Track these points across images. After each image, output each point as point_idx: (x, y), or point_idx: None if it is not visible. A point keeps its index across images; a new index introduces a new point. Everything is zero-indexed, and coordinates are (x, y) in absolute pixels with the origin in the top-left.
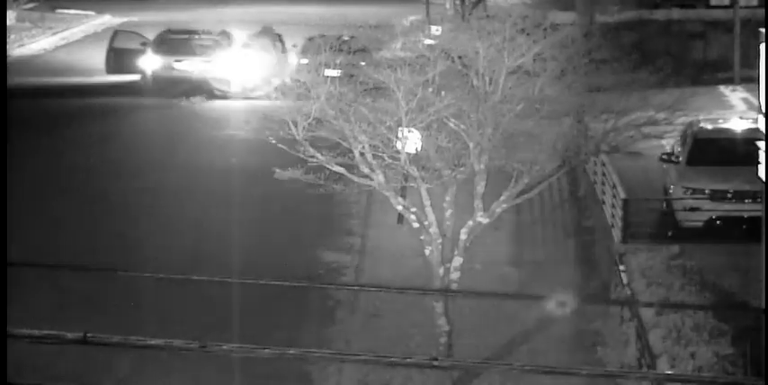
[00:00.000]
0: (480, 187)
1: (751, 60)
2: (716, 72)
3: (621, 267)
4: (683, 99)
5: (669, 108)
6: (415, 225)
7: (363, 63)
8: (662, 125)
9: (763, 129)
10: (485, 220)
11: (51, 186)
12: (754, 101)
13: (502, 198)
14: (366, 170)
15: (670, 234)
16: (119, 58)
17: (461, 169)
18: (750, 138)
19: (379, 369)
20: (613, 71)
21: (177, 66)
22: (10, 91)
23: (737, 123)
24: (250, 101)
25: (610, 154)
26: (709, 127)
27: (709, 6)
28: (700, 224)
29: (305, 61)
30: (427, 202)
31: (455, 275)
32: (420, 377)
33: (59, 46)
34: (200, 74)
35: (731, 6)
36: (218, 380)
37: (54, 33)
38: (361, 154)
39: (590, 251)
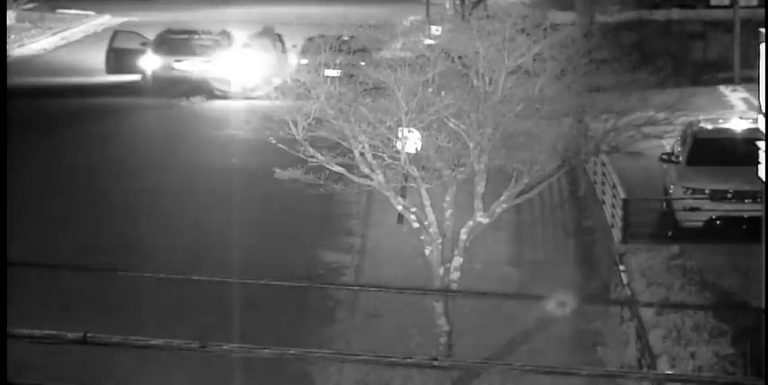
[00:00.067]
0: (480, 187)
1: (751, 60)
2: (716, 72)
3: (621, 267)
4: (683, 99)
5: (669, 108)
6: (415, 225)
7: (363, 63)
8: (662, 125)
9: (763, 129)
10: (485, 220)
11: (51, 186)
12: (754, 101)
13: (502, 198)
14: (366, 170)
15: (670, 234)
16: (119, 58)
17: (461, 169)
18: (750, 138)
19: (379, 369)
20: (613, 71)
21: (177, 66)
22: (10, 91)
23: (737, 123)
24: (250, 101)
25: (610, 154)
26: (709, 127)
27: (709, 6)
28: (700, 224)
29: (305, 61)
30: (427, 202)
31: (455, 275)
32: (420, 377)
33: (59, 46)
34: (200, 74)
35: (731, 6)
36: (219, 380)
37: (54, 33)
38: (361, 154)
39: (590, 251)
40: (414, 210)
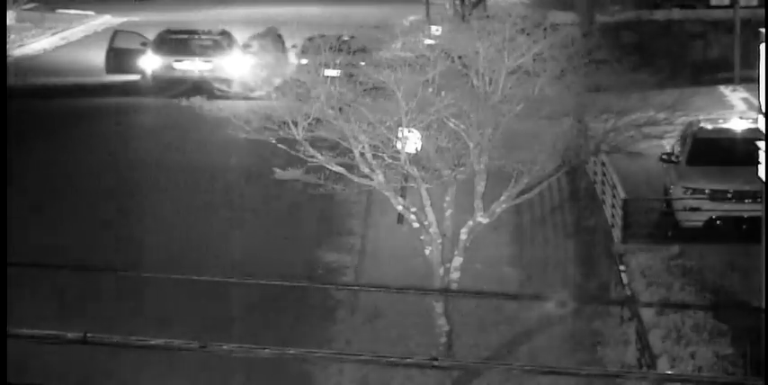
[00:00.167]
0: (480, 187)
1: (751, 60)
2: (716, 72)
3: (621, 267)
4: (683, 99)
5: (669, 108)
6: (415, 225)
7: (363, 63)
8: (662, 125)
9: (763, 129)
10: (485, 220)
11: (51, 186)
12: (754, 101)
13: (502, 198)
14: (366, 170)
15: (670, 234)
16: (119, 58)
17: (461, 169)
18: (750, 138)
19: (379, 369)
20: (613, 71)
21: (177, 66)
22: (10, 91)
23: (737, 123)
24: (250, 101)
25: (610, 154)
26: (709, 127)
27: (709, 6)
28: (700, 224)
29: (305, 61)
30: (427, 202)
31: (455, 275)
32: (420, 377)
33: (59, 46)
34: (200, 74)
35: (731, 6)
36: (219, 380)
37: (54, 33)
38: (361, 154)
39: (590, 251)
40: (414, 210)
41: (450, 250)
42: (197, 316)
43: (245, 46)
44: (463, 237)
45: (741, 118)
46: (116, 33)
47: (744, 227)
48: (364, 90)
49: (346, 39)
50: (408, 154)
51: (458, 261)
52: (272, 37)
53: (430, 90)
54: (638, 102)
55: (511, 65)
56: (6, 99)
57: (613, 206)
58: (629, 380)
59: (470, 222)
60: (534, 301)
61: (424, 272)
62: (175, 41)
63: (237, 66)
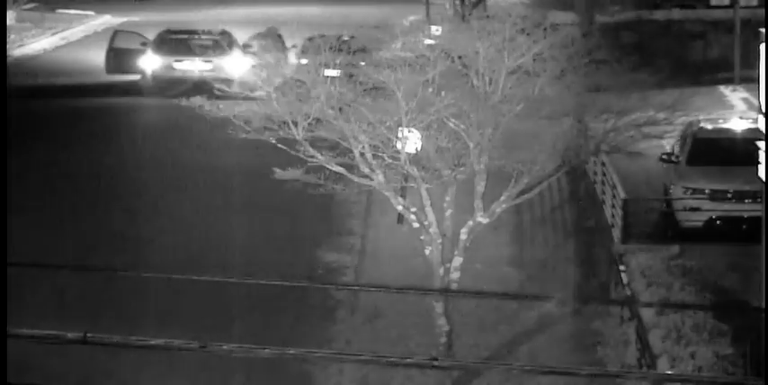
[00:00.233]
0: (480, 187)
1: (751, 60)
2: (716, 72)
3: (621, 267)
4: (683, 99)
5: (669, 108)
6: (415, 225)
7: (363, 63)
8: (662, 125)
9: (763, 129)
10: (485, 220)
11: (51, 186)
12: (754, 101)
13: (502, 198)
14: (366, 170)
15: (670, 234)
16: (119, 58)
17: (461, 169)
18: (750, 138)
19: (379, 369)
20: (613, 71)
21: (177, 66)
22: (10, 91)
23: (737, 123)
24: (250, 101)
25: (610, 154)
26: (709, 127)
27: (709, 6)
28: (700, 224)
29: (305, 61)
30: (427, 202)
31: (455, 275)
32: (420, 377)
33: (59, 46)
34: (200, 74)
35: (731, 6)
36: (219, 380)
37: (54, 33)
38: (361, 154)
39: (590, 251)
40: (414, 210)
41: (450, 250)
42: (196, 316)
43: (245, 46)
44: (463, 237)
45: (741, 118)
46: (116, 33)
47: (744, 227)
48: (364, 90)
49: (346, 39)
50: (408, 154)
51: (458, 261)
52: (273, 37)
53: (430, 90)
54: (638, 102)
55: (511, 65)
56: (6, 99)
57: (613, 206)
58: (629, 380)
59: (470, 222)
60: (534, 301)
61: (424, 272)
62: (175, 41)
63: (237, 66)
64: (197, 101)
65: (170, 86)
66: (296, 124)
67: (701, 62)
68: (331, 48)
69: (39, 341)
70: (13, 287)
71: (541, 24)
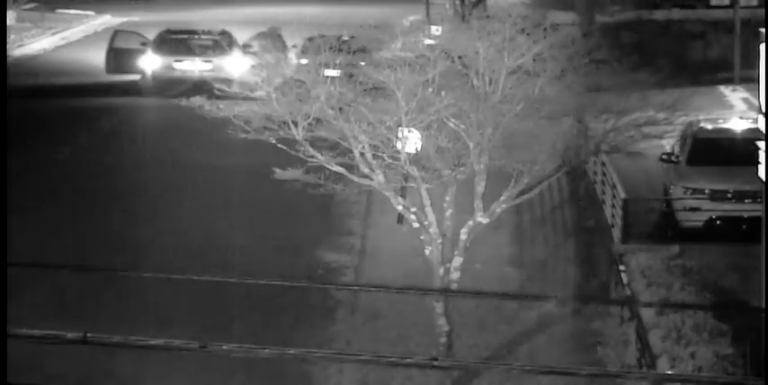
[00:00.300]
0: (480, 187)
1: (751, 60)
2: (716, 72)
3: (621, 267)
4: (683, 99)
5: (669, 108)
6: (415, 225)
7: (363, 63)
8: (662, 125)
9: (763, 129)
10: (485, 220)
11: (51, 186)
12: (754, 101)
13: (502, 198)
14: (366, 170)
15: (670, 234)
16: (119, 58)
17: (461, 169)
18: (750, 138)
19: (379, 369)
20: (613, 71)
21: (177, 66)
22: (10, 91)
23: (737, 123)
24: (250, 101)
25: (610, 154)
26: (709, 127)
27: (709, 6)
28: (700, 224)
29: (305, 61)
30: (427, 202)
31: (455, 275)
32: (420, 377)
33: (59, 46)
34: (200, 74)
35: (731, 6)
36: (219, 380)
37: (54, 33)
38: (361, 154)
39: (590, 251)
40: (414, 210)
41: (450, 250)
42: (196, 316)
43: (245, 46)
44: (463, 237)
45: (741, 118)
46: (116, 33)
47: (744, 227)
48: (364, 90)
49: (346, 39)
50: (408, 154)
51: (458, 261)
52: (274, 37)
53: (430, 90)
54: (637, 102)
55: (511, 65)
56: (6, 99)
57: (613, 206)
58: (629, 380)
59: (470, 222)
60: (534, 301)
61: (424, 272)
62: (175, 41)
63: (237, 66)
64: (197, 101)
65: (170, 86)
66: (296, 124)
67: (701, 62)
68: (331, 48)
69: (39, 341)
70: (12, 287)
71: (541, 24)
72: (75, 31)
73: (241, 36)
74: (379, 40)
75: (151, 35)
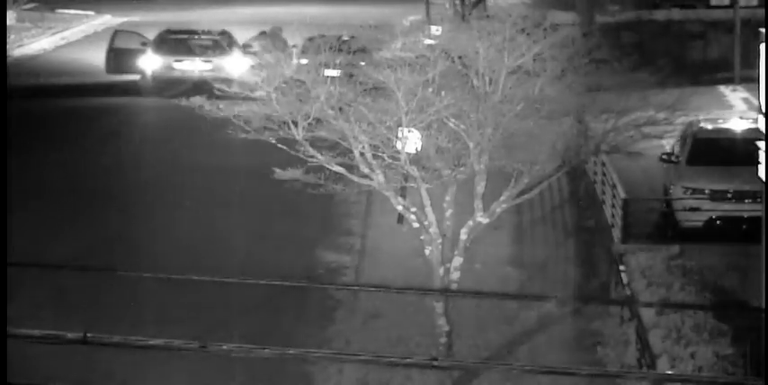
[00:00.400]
0: (480, 187)
1: (751, 60)
2: (716, 72)
3: (621, 267)
4: (683, 99)
5: (669, 108)
6: (415, 225)
7: (363, 63)
8: (662, 125)
9: (763, 129)
10: (485, 220)
11: (51, 186)
12: (754, 101)
13: (502, 198)
14: (366, 170)
15: (670, 234)
16: (119, 58)
17: (461, 169)
18: (750, 138)
19: (379, 369)
20: (613, 71)
21: (177, 66)
22: (10, 91)
23: (737, 123)
24: (250, 101)
25: (610, 154)
26: (710, 127)
27: (709, 6)
28: (700, 224)
29: (305, 61)
30: (427, 202)
31: (455, 275)
32: (420, 377)
33: (59, 46)
34: (200, 74)
35: (731, 6)
36: (219, 380)
37: (54, 33)
38: (361, 154)
39: (590, 251)
40: (414, 210)
41: (450, 250)
42: (196, 316)
43: (245, 46)
44: (463, 237)
45: (741, 118)
46: (116, 33)
47: (744, 227)
48: (364, 90)
49: (346, 39)
50: (408, 154)
51: (458, 261)
52: (276, 37)
53: (430, 90)
54: (637, 102)
55: (511, 65)
56: (6, 99)
57: (613, 206)
58: (629, 380)
59: (470, 222)
60: (534, 301)
61: (424, 272)
62: (175, 41)
63: (237, 66)
64: (197, 101)
65: (170, 86)
66: (296, 124)
67: (701, 62)
68: (331, 48)
69: (39, 341)
70: (12, 287)
71: (541, 24)
72: (75, 31)
73: (241, 36)
74: (379, 40)
75: (151, 35)
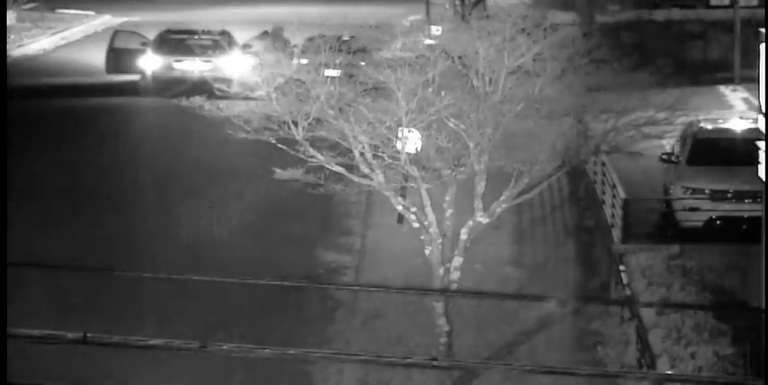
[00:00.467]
0: (480, 187)
1: (751, 60)
2: (716, 72)
3: (621, 267)
4: (683, 99)
5: (669, 108)
6: (415, 225)
7: (363, 63)
8: (662, 125)
9: (763, 129)
10: (485, 220)
11: (51, 186)
12: (754, 101)
13: (502, 198)
14: (366, 170)
15: (670, 234)
16: (119, 58)
17: (461, 169)
18: (750, 138)
19: (379, 369)
20: (613, 71)
21: (177, 66)
22: (10, 91)
23: (737, 123)
24: (250, 101)
25: (610, 154)
26: (710, 127)
27: (709, 6)
28: (700, 224)
29: (305, 61)
30: (427, 202)
31: (455, 275)
32: (420, 377)
33: (59, 46)
34: (200, 74)
35: (731, 6)
36: (219, 380)
37: (54, 33)
38: (361, 154)
39: (590, 251)
40: (414, 210)
41: (450, 250)
42: (196, 316)
43: (245, 46)
44: (463, 237)
45: (741, 118)
46: (116, 33)
47: (744, 227)
48: (364, 90)
49: (346, 39)
50: (408, 154)
51: (458, 261)
52: (277, 37)
53: (430, 90)
54: (638, 102)
55: (511, 65)
56: (6, 99)
57: (613, 206)
58: (629, 380)
59: (470, 222)
60: (534, 301)
61: (424, 272)
62: (175, 41)
63: (237, 66)
64: (197, 101)
65: (170, 86)
66: (296, 124)
67: (701, 62)
68: (331, 48)
69: (39, 341)
70: (12, 286)
71: (541, 24)
72: (75, 31)
73: (241, 36)
74: (379, 40)
75: (151, 35)
